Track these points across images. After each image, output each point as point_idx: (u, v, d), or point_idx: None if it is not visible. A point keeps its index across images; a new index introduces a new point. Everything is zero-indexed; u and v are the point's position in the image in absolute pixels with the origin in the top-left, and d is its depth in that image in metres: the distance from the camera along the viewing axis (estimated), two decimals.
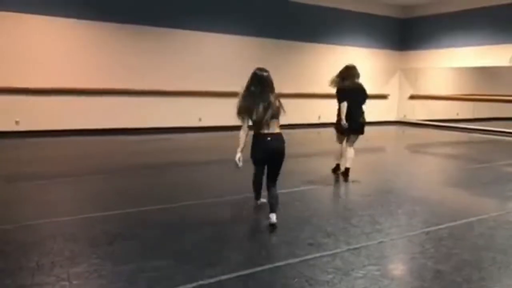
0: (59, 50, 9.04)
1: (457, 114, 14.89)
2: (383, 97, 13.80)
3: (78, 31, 9.18)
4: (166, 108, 10.23)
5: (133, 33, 9.75)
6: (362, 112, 5.63)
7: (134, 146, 8.57)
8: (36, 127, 8.81)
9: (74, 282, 2.60)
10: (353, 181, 5.52)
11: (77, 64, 9.20)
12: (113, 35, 9.57)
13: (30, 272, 2.70)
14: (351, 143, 5.70)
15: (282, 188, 4.84)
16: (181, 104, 10.41)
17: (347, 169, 5.58)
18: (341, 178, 5.63)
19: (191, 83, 10.40)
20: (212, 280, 2.65)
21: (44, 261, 2.86)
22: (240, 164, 3.60)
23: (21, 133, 8.63)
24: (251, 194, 4.14)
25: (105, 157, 7.17)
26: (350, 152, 5.65)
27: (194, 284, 2.59)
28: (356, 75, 5.53)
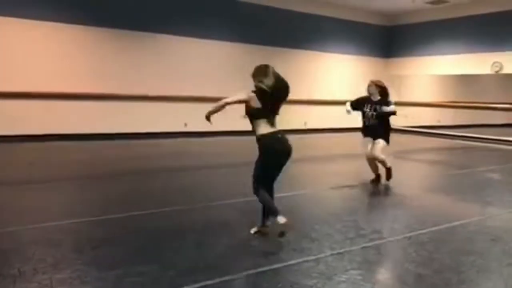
0: (45, 54, 8.95)
1: (439, 121, 15.16)
2: None
3: (65, 36, 9.12)
4: (152, 113, 10.19)
5: (120, 38, 9.72)
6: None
7: (121, 151, 8.50)
8: (22, 132, 8.68)
9: None
10: (336, 187, 5.58)
11: (64, 69, 9.12)
12: (101, 40, 9.52)
13: (12, 279, 2.67)
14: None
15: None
16: (167, 110, 10.38)
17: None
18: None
19: (177, 88, 10.38)
20: (196, 285, 2.66)
21: (26, 268, 2.83)
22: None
23: (5, 137, 8.49)
24: (237, 199, 4.16)
25: (91, 162, 7.10)
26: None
27: None
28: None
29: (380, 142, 5.67)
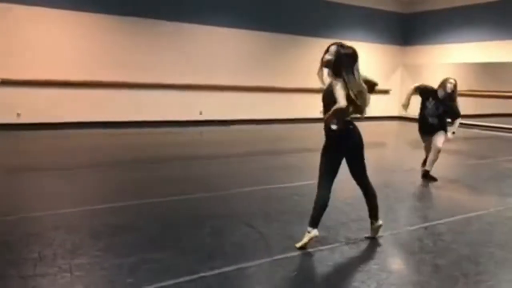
0: (60, 42, 9.03)
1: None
2: (385, 92, 13.78)
3: (80, 23, 9.17)
4: (167, 101, 10.23)
5: (134, 26, 9.73)
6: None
7: (135, 139, 8.59)
8: (37, 120, 8.82)
9: (76, 273, 2.63)
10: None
11: (79, 56, 9.20)
12: (115, 27, 9.55)
13: (33, 263, 2.74)
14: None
15: (280, 183, 4.88)
16: (182, 98, 10.41)
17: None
18: None
19: (192, 76, 10.38)
20: (213, 272, 2.68)
21: (47, 252, 2.90)
22: None
23: (22, 125, 8.65)
24: (255, 187, 4.14)
25: (106, 150, 7.20)
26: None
27: (195, 276, 2.63)
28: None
29: (442, 133, 5.46)
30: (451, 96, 5.37)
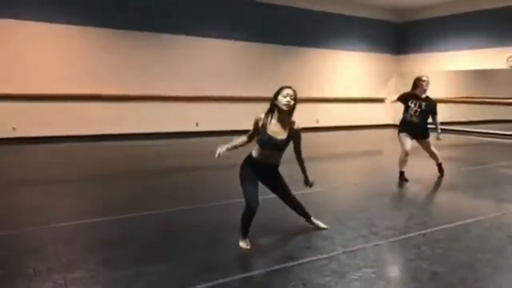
0: (55, 56, 9.06)
1: (450, 116, 14.94)
2: (380, 100, 13.87)
3: (74, 37, 9.21)
4: (163, 113, 10.25)
5: (130, 39, 9.79)
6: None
7: (131, 151, 8.57)
8: (33, 134, 8.81)
9: None
10: (348, 185, 5.54)
11: (74, 70, 9.22)
12: (111, 41, 9.60)
13: (27, 279, 2.70)
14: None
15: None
16: (178, 109, 10.43)
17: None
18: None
19: (188, 88, 10.42)
20: (209, 284, 2.66)
21: (41, 267, 2.86)
22: None
23: (17, 139, 8.62)
24: None
25: (102, 163, 7.17)
26: None
27: None
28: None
29: (428, 139, 5.91)
30: (429, 98, 5.84)
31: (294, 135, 3.39)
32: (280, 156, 3.45)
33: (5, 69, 8.52)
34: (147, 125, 10.08)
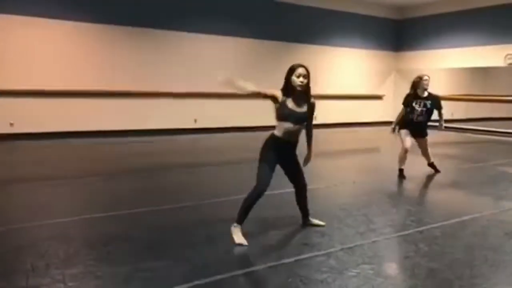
0: (53, 52, 9.02)
1: (452, 114, 14.97)
2: (378, 97, 13.87)
3: (73, 33, 9.17)
4: (161, 109, 10.23)
5: (128, 35, 9.74)
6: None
7: (129, 148, 8.56)
8: (31, 130, 8.79)
9: (70, 283, 2.60)
10: (346, 182, 5.55)
11: (71, 66, 9.18)
12: (108, 37, 9.56)
13: (25, 274, 2.70)
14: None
15: (274, 189, 4.87)
16: (176, 106, 10.41)
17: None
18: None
19: (186, 84, 10.39)
20: (207, 280, 2.67)
21: (39, 263, 2.87)
22: None
23: (15, 135, 8.60)
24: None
25: (100, 159, 7.17)
26: None
27: (190, 284, 2.61)
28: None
29: (427, 139, 6.02)
30: (432, 95, 5.89)
31: (310, 106, 3.46)
32: (300, 132, 3.48)
33: (3, 65, 8.49)
34: (145, 121, 10.05)
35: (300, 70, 3.34)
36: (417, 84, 5.85)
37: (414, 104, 5.81)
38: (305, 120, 3.45)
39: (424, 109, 5.77)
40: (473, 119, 14.51)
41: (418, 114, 5.80)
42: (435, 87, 15.39)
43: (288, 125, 3.36)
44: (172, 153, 7.94)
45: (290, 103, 3.37)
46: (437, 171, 6.19)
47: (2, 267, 2.84)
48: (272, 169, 3.38)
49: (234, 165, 6.67)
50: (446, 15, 12.74)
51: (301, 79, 3.33)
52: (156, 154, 7.75)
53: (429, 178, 6.08)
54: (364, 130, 12.43)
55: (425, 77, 5.84)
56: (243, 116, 11.03)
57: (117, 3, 9.55)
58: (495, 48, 11.69)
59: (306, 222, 3.73)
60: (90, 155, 7.55)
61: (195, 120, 10.64)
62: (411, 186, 5.61)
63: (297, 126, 3.41)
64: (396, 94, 14.24)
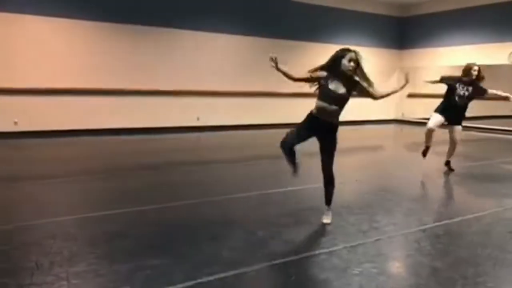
0: (56, 50, 9.04)
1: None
2: None
3: (75, 31, 9.19)
4: (164, 107, 10.25)
5: (131, 33, 9.76)
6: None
7: (132, 146, 8.58)
8: (35, 128, 8.82)
9: (73, 281, 2.62)
10: (349, 181, 5.54)
11: (75, 64, 9.21)
12: (111, 35, 9.57)
13: (29, 272, 2.72)
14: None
15: (277, 188, 4.87)
16: (179, 104, 10.42)
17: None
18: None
19: (189, 82, 10.40)
20: (210, 278, 2.67)
21: (43, 261, 2.88)
22: None
23: (19, 133, 8.64)
24: (250, 193, 4.15)
25: (104, 157, 7.19)
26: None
27: (193, 282, 2.61)
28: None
29: (460, 128, 6.06)
30: (475, 81, 5.89)
31: (357, 85, 3.57)
32: (338, 114, 3.57)
33: (7, 64, 8.52)
34: (148, 119, 10.07)
35: (352, 55, 3.50)
36: (467, 72, 5.90)
37: (457, 85, 5.87)
38: (344, 101, 3.54)
39: (466, 93, 5.83)
40: (477, 117, 14.42)
41: (459, 95, 5.85)
42: (440, 85, 15.27)
43: (324, 104, 3.50)
44: (175, 151, 7.95)
45: (332, 84, 3.50)
46: (451, 170, 6.17)
47: (8, 264, 2.86)
48: (299, 135, 3.54)
49: (236, 164, 6.67)
50: (450, 12, 12.68)
51: (352, 64, 3.48)
52: (158, 152, 7.76)
53: (433, 176, 6.06)
54: (367, 128, 12.41)
55: (475, 67, 5.91)
56: (246, 114, 11.03)
57: (120, 1, 9.55)
58: (499, 46, 11.63)
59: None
60: (94, 152, 7.57)
61: (198, 118, 10.65)
62: (414, 184, 5.59)
63: (333, 107, 3.50)
64: (400, 92, 14.21)
